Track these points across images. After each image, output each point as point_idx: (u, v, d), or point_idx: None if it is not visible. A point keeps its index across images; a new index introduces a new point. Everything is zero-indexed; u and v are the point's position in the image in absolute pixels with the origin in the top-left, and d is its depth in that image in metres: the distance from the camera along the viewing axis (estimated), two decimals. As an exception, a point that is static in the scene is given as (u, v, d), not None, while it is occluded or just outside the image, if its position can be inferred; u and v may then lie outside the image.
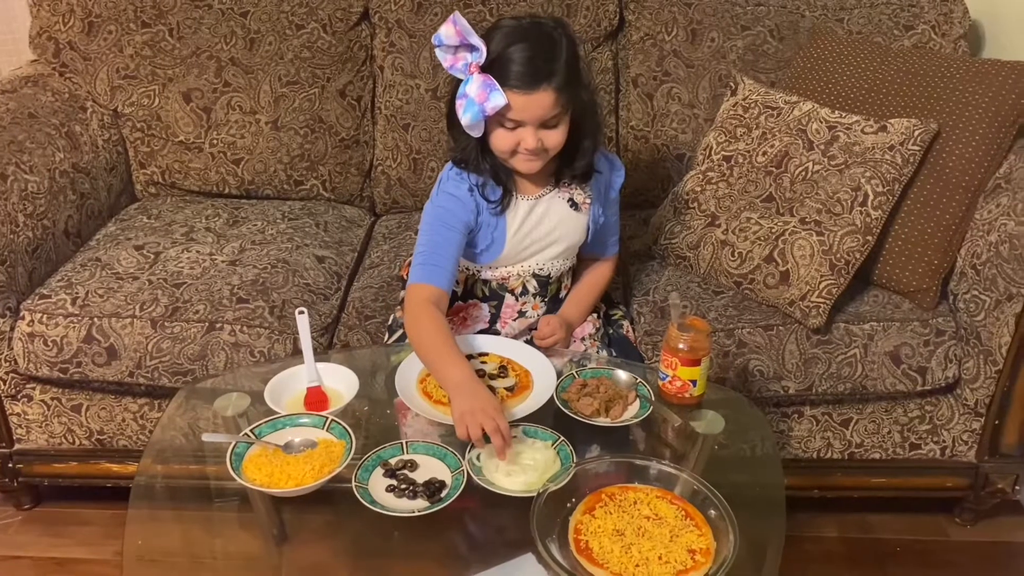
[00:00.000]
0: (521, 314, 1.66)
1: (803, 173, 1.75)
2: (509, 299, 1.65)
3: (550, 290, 1.67)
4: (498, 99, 1.42)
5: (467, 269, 1.65)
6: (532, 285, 1.65)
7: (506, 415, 1.37)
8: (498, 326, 1.66)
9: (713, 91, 2.12)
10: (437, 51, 1.45)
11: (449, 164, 1.58)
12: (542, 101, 1.43)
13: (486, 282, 1.65)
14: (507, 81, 1.42)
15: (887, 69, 1.87)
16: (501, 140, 1.49)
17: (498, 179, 1.55)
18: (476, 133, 1.48)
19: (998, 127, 1.72)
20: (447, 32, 1.41)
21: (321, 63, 2.16)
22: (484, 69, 1.42)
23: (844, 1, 2.12)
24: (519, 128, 1.47)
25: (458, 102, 1.45)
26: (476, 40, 1.41)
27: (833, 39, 2.00)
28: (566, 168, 1.58)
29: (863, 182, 1.69)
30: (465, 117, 1.44)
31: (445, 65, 1.45)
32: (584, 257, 1.74)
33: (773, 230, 1.74)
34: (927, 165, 1.73)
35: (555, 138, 1.49)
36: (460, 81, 1.45)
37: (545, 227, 1.60)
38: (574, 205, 1.61)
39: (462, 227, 1.54)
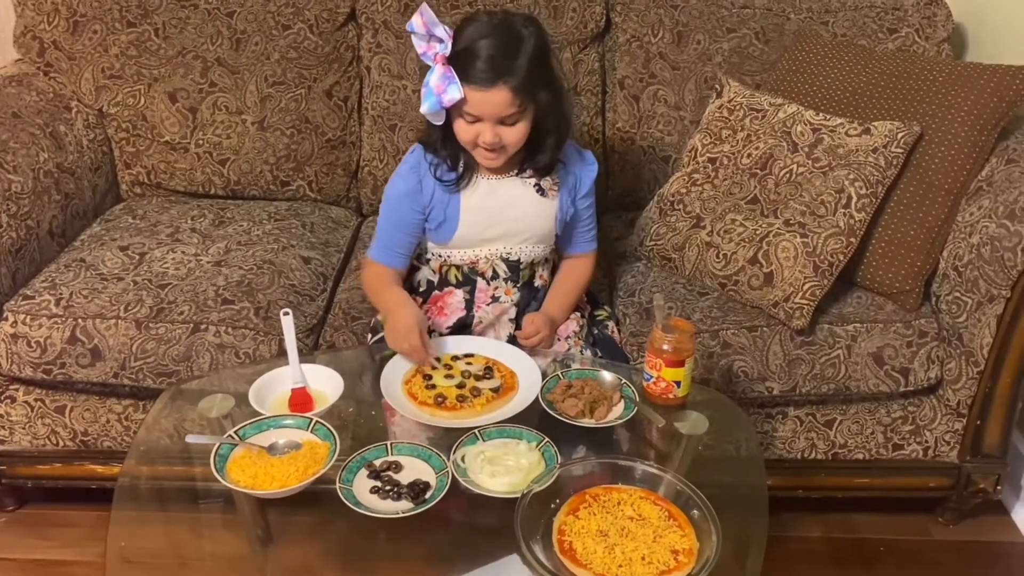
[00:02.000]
0: (495, 299, 1.67)
1: (787, 175, 1.76)
2: (481, 283, 1.67)
3: (522, 275, 1.68)
4: (454, 92, 1.47)
5: (439, 255, 1.67)
6: (502, 269, 1.66)
7: (491, 416, 1.40)
8: (473, 311, 1.67)
9: (699, 93, 2.13)
10: (412, 39, 1.49)
11: (417, 142, 1.65)
12: (498, 98, 1.47)
13: (458, 267, 1.68)
14: (467, 76, 1.46)
15: (871, 72, 1.88)
16: (462, 131, 1.54)
17: (455, 162, 1.59)
18: (437, 121, 1.53)
19: (980, 130, 1.73)
20: (416, 21, 1.46)
21: (308, 63, 2.15)
22: (450, 60, 1.47)
23: (829, 4, 2.13)
24: (477, 122, 1.51)
25: (422, 90, 1.50)
26: (441, 32, 1.47)
27: (818, 42, 2.02)
28: (528, 160, 1.62)
29: (847, 184, 1.70)
30: (424, 106, 1.50)
31: (419, 51, 1.50)
32: (563, 255, 1.75)
33: (757, 232, 1.75)
34: (910, 167, 1.74)
35: (513, 135, 1.53)
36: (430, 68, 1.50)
37: (510, 212, 1.63)
38: (540, 191, 1.64)
39: (416, 206, 1.61)
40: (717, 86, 1.96)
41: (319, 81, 2.16)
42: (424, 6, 1.46)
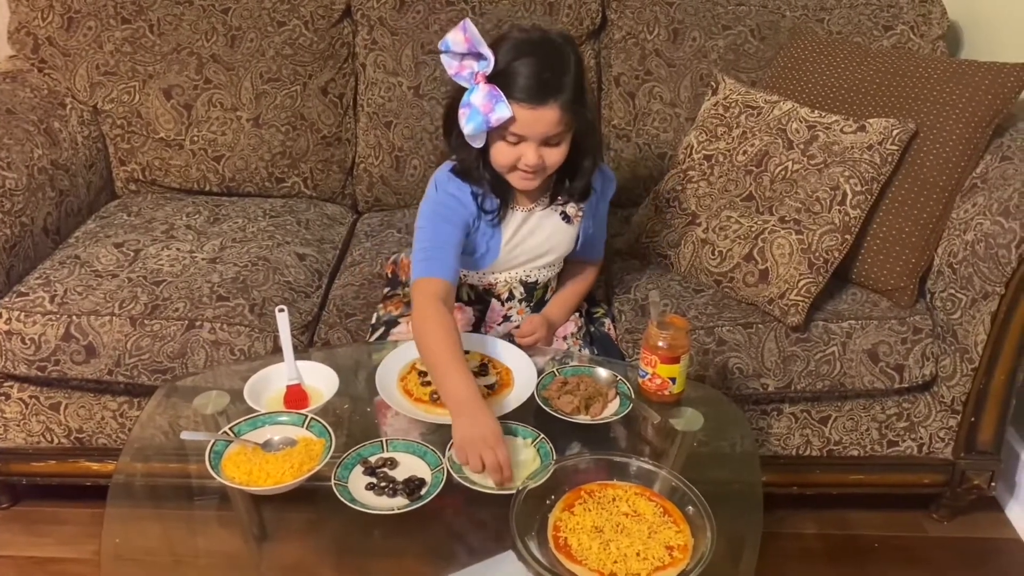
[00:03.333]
0: (506, 319, 1.66)
1: (783, 172, 1.76)
2: (495, 304, 1.66)
3: (536, 295, 1.67)
4: (503, 111, 1.39)
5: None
6: (519, 291, 1.65)
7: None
8: (483, 331, 1.65)
9: (694, 90, 2.13)
10: (443, 57, 1.41)
11: (445, 167, 1.55)
12: (548, 117, 1.40)
13: (473, 287, 1.65)
14: (513, 94, 1.39)
15: (866, 69, 1.89)
16: (502, 154, 1.46)
17: (497, 190, 1.52)
18: (477, 144, 1.45)
19: (975, 127, 1.74)
20: (455, 39, 1.38)
21: (303, 60, 2.15)
22: (490, 79, 1.39)
23: (824, 1, 2.14)
24: (521, 143, 1.44)
25: (461, 110, 1.41)
26: (485, 49, 1.39)
27: (813, 39, 2.02)
28: (563, 186, 1.56)
29: (842, 181, 1.70)
30: (468, 127, 1.41)
31: (450, 72, 1.42)
32: (571, 261, 1.74)
33: (753, 229, 1.75)
34: (905, 165, 1.75)
35: (556, 156, 1.46)
36: (461, 87, 1.42)
37: (537, 239, 1.60)
38: (566, 218, 1.60)
39: (463, 225, 1.51)
40: (713, 83, 1.97)
41: (314, 78, 2.16)
42: (466, 21, 1.38)
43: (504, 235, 1.57)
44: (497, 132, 1.43)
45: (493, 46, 1.41)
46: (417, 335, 1.44)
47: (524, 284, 1.65)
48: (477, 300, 1.66)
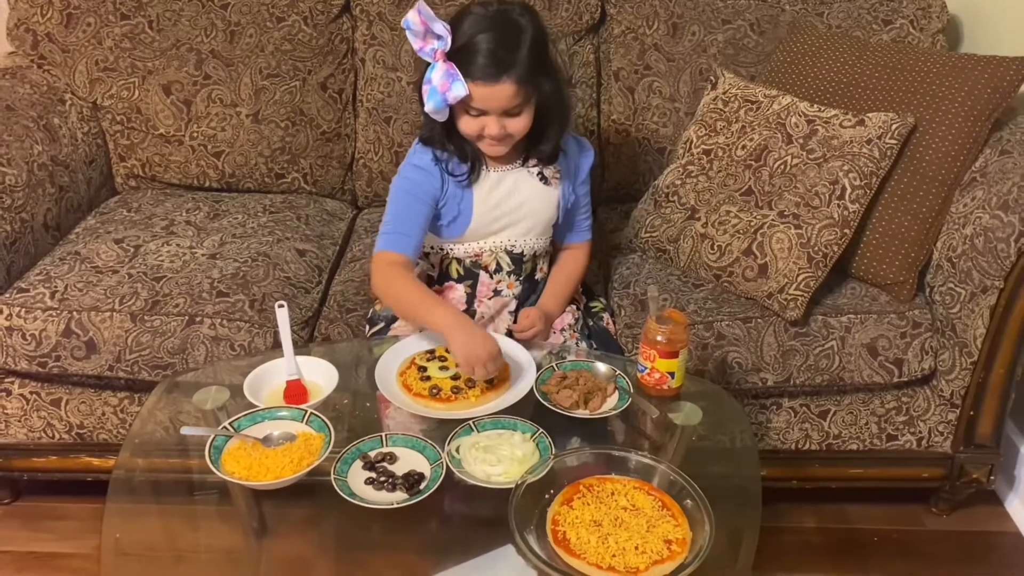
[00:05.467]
0: (497, 292, 1.68)
1: (782, 167, 1.76)
2: (484, 277, 1.67)
3: (525, 268, 1.68)
4: (459, 90, 1.46)
5: (441, 249, 1.67)
6: (505, 262, 1.66)
7: (486, 407, 1.40)
8: (475, 306, 1.67)
9: (694, 85, 2.13)
10: (408, 34, 1.47)
11: (417, 139, 1.62)
12: (503, 92, 1.46)
13: (460, 261, 1.67)
14: (470, 72, 1.45)
15: (865, 63, 1.89)
16: (466, 125, 1.53)
17: (463, 155, 1.58)
18: (441, 118, 1.52)
19: (974, 121, 1.73)
20: (413, 19, 1.44)
21: (302, 56, 2.15)
22: (450, 56, 1.45)
23: (824, -5, 2.13)
24: (483, 116, 1.50)
25: (424, 87, 1.49)
26: (439, 28, 1.45)
27: (813, 33, 2.02)
28: (532, 150, 1.61)
29: (841, 175, 1.70)
30: (429, 104, 1.48)
31: (415, 48, 1.48)
32: (559, 246, 1.75)
33: (752, 223, 1.75)
34: (904, 159, 1.75)
35: (518, 125, 1.52)
36: (429, 64, 1.48)
37: (514, 200, 1.63)
38: (544, 179, 1.64)
39: (428, 199, 1.58)
40: (712, 78, 1.96)
41: (314, 73, 2.16)
42: (420, 3, 1.43)
43: (477, 195, 1.61)
44: (459, 105, 1.50)
45: (454, 22, 1.47)
46: (385, 293, 1.55)
47: (510, 255, 1.66)
48: (466, 275, 1.68)
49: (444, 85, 1.45)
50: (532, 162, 1.63)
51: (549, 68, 1.53)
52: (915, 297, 1.76)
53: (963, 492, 1.89)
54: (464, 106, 1.49)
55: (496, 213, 1.63)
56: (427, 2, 1.46)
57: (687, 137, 1.92)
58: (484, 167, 1.61)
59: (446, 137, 1.56)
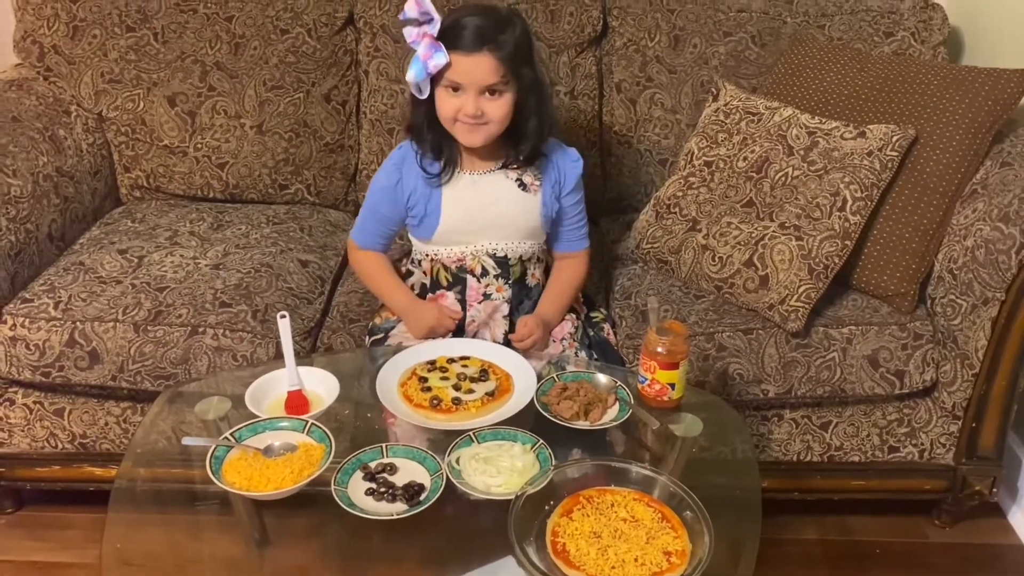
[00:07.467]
0: (486, 296, 1.68)
1: (783, 178, 1.77)
2: (471, 281, 1.68)
3: (513, 272, 1.69)
4: (440, 58, 1.50)
5: (427, 256, 1.69)
6: (490, 265, 1.68)
7: (486, 418, 1.41)
8: (466, 310, 1.69)
9: (695, 97, 2.13)
10: (404, 30, 1.52)
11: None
12: (483, 64, 1.51)
13: (447, 268, 1.69)
14: (453, 44, 1.51)
15: (867, 75, 1.89)
16: (444, 103, 1.56)
17: (439, 150, 1.61)
18: (420, 94, 1.55)
19: (975, 133, 1.74)
20: (409, 7, 1.50)
21: (306, 68, 2.16)
22: (438, 37, 1.51)
23: (825, 8, 2.14)
24: (461, 93, 1.53)
25: (410, 64, 1.54)
26: (431, 8, 1.50)
27: (814, 45, 2.02)
28: (511, 151, 1.63)
29: (842, 187, 1.70)
30: (410, 73, 1.52)
31: (410, 40, 1.53)
32: (556, 255, 1.76)
33: (753, 235, 1.75)
34: (905, 170, 1.75)
35: (496, 108, 1.55)
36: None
37: (490, 204, 1.65)
38: (523, 186, 1.66)
39: (397, 198, 1.66)
40: (713, 89, 1.97)
41: (317, 85, 2.17)
42: None
43: (447, 196, 1.64)
44: (439, 81, 1.54)
45: (447, 15, 1.54)
46: (358, 272, 1.80)
47: (494, 258, 1.67)
48: (455, 281, 1.69)
49: (427, 55, 1.50)
50: (511, 166, 1.65)
51: (532, 65, 1.58)
52: (916, 309, 1.76)
53: (965, 504, 1.88)
54: (445, 82, 1.53)
55: (470, 215, 1.64)
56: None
57: (688, 149, 1.93)
58: (458, 169, 1.64)
59: (426, 125, 1.60)
